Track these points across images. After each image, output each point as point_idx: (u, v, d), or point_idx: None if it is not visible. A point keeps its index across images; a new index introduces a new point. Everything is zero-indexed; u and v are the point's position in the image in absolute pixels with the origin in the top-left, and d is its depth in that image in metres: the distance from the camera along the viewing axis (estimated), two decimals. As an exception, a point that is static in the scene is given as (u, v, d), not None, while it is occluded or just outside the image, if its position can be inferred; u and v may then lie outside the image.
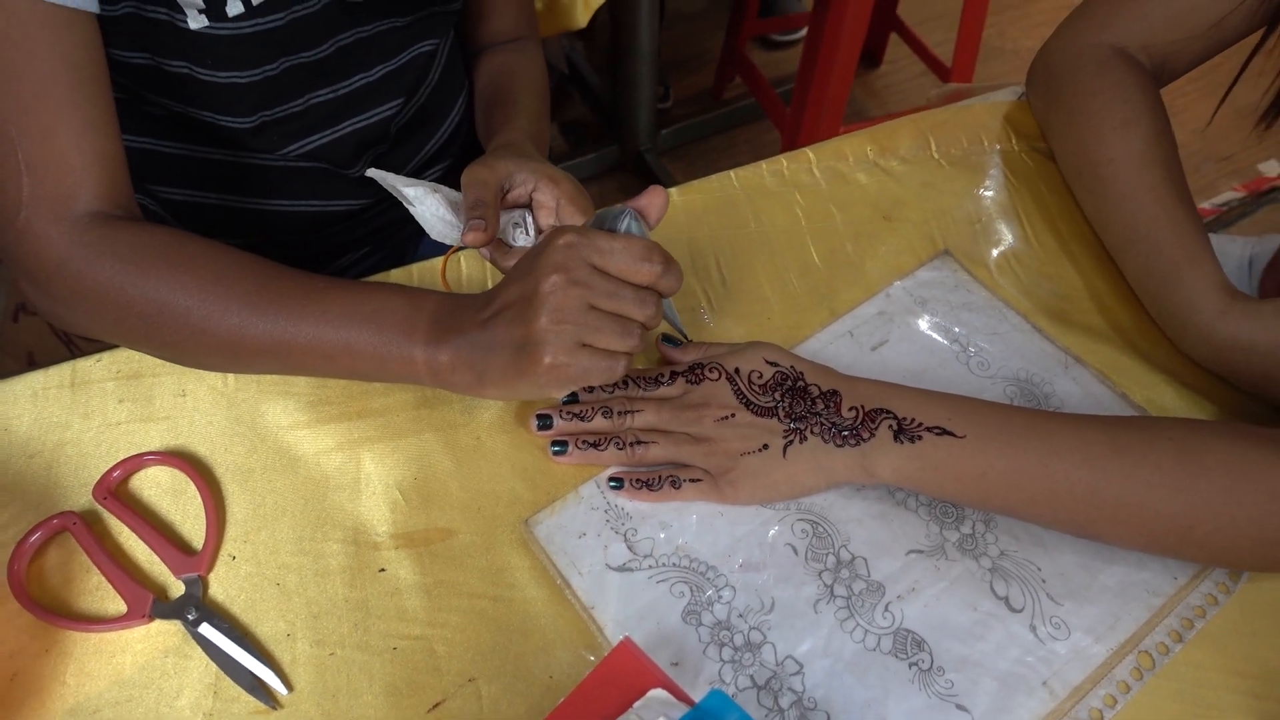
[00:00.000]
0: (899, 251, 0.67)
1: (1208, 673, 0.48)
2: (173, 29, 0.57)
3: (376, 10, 0.66)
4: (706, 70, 2.08)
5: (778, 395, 0.54)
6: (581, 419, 0.55)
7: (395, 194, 0.58)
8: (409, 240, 0.85)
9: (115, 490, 0.53)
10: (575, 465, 0.55)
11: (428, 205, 0.57)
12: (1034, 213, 0.70)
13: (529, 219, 0.58)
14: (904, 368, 0.60)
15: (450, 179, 0.65)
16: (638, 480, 0.53)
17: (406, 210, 0.58)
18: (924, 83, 2.07)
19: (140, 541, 0.51)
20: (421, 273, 0.65)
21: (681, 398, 0.55)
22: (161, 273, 0.51)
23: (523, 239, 0.58)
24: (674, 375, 0.56)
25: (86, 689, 0.46)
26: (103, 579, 0.50)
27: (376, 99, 0.70)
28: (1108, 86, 0.65)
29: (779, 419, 0.53)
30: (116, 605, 0.49)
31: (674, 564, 0.51)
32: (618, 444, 0.54)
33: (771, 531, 0.52)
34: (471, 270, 0.65)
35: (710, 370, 0.55)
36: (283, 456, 0.55)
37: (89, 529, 0.51)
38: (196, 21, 0.57)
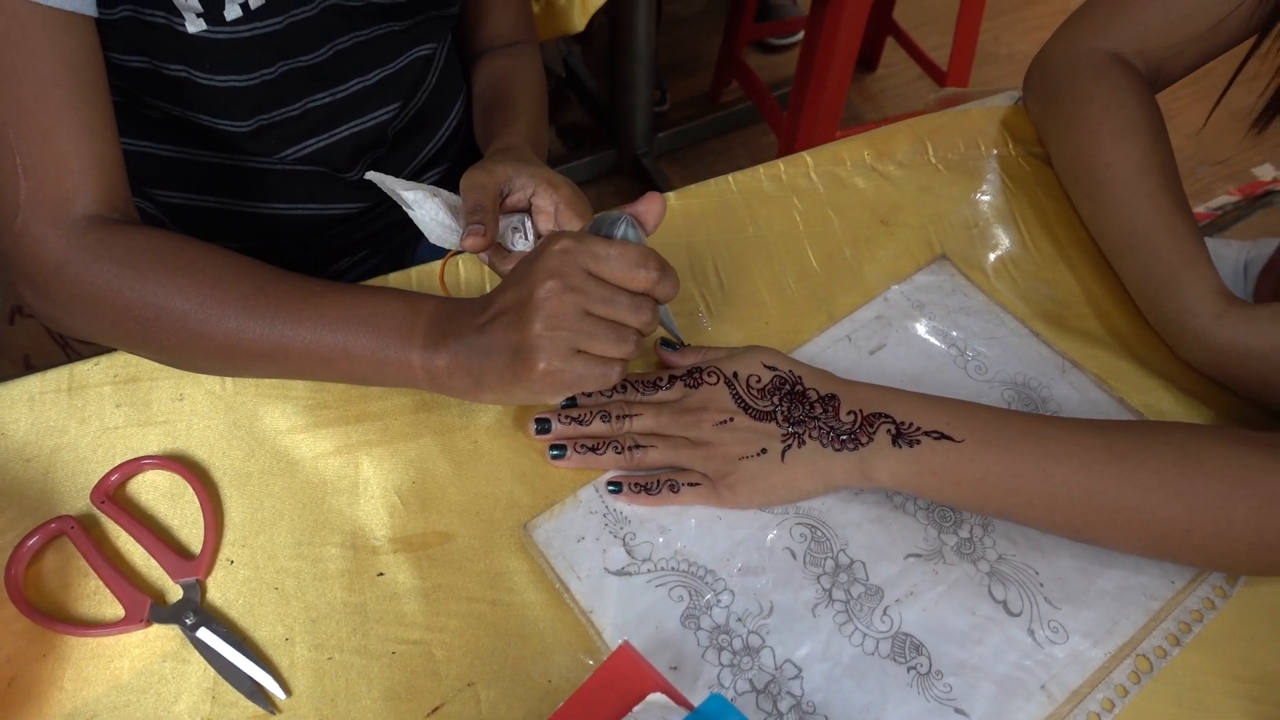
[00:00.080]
0: (896, 256, 0.67)
1: (1205, 676, 0.48)
2: (171, 33, 0.57)
3: (374, 15, 0.66)
4: (703, 74, 2.08)
5: (776, 399, 0.54)
6: (580, 423, 0.55)
7: (394, 197, 0.58)
8: (407, 244, 0.85)
9: (113, 494, 0.53)
10: (574, 469, 0.55)
11: (426, 209, 0.57)
12: (1031, 217, 0.70)
13: (528, 224, 0.58)
14: (902, 372, 0.60)
15: (448, 183, 0.65)
16: (636, 484, 0.53)
17: (405, 213, 0.58)
18: (920, 87, 2.08)
19: (138, 546, 0.51)
20: (420, 276, 0.65)
21: (680, 402, 0.55)
22: (159, 276, 0.51)
23: (521, 244, 0.58)
24: (672, 379, 0.56)
25: (84, 694, 0.46)
26: (100, 583, 0.50)
27: (374, 103, 0.70)
28: (1104, 92, 0.65)
29: (777, 423, 0.53)
30: (114, 610, 0.49)
31: (673, 568, 0.51)
32: (616, 448, 0.54)
33: (770, 535, 0.52)
34: (470, 274, 0.65)
35: (708, 374, 0.55)
36: (281, 460, 0.55)
37: (86, 533, 0.51)
38: (194, 25, 0.57)
